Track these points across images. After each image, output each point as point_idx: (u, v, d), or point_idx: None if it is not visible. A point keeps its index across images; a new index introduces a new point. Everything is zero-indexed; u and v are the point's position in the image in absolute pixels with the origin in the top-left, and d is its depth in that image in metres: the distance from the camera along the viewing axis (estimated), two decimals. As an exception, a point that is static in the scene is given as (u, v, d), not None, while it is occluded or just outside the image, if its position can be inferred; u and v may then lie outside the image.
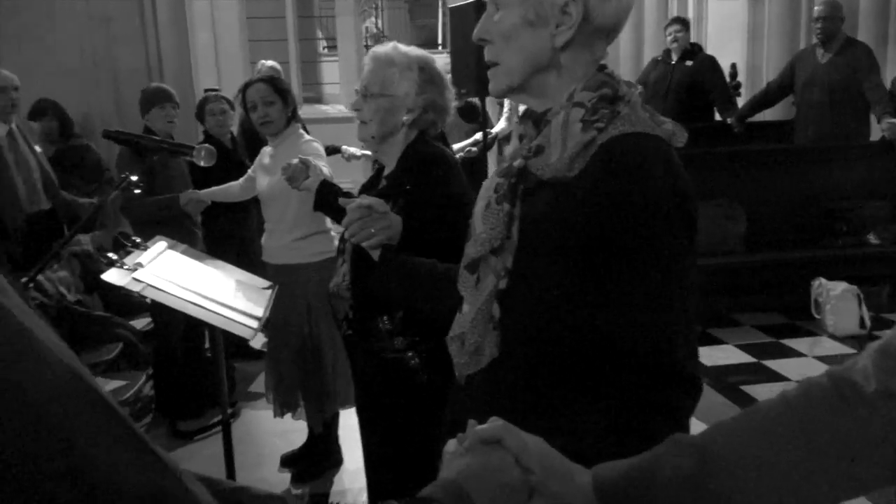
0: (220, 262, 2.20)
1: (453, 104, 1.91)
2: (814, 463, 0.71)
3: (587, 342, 1.01)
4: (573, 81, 1.07)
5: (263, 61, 4.54)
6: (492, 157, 5.87)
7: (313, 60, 10.49)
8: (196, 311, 1.72)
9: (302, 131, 2.96)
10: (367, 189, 1.95)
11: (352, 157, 4.39)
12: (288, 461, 3.11)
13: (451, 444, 0.82)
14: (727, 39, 6.76)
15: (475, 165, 4.72)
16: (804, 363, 4.01)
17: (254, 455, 3.14)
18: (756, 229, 4.60)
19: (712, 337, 4.33)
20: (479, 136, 4.90)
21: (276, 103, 2.76)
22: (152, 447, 0.42)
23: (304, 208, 2.62)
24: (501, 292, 1.06)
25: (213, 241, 3.62)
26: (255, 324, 1.85)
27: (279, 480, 3.02)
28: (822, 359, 4.05)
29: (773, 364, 4.00)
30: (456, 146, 4.86)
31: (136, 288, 1.65)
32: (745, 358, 4.10)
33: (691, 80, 5.48)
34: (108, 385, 3.33)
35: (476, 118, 4.87)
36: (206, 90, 4.90)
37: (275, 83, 2.83)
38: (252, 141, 3.88)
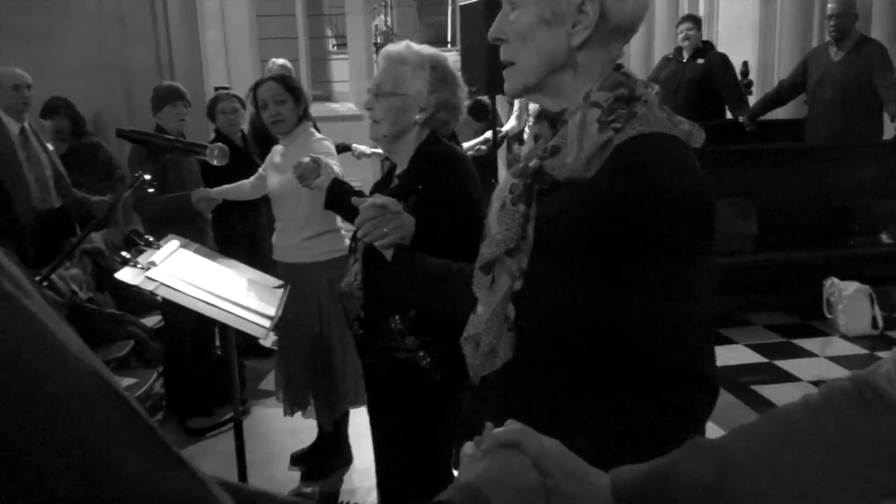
0: (233, 261, 2.20)
1: (465, 103, 1.91)
2: (836, 468, 0.70)
3: (603, 343, 1.01)
4: (589, 81, 1.06)
5: (274, 59, 4.54)
6: (501, 155, 5.87)
7: (323, 58, 10.50)
8: (209, 310, 1.72)
9: (313, 129, 2.96)
10: (378, 188, 1.94)
11: (362, 154, 4.41)
12: (298, 459, 3.12)
13: (469, 447, 0.82)
14: (738, 37, 6.72)
15: (485, 163, 4.71)
16: (816, 363, 3.98)
17: (264, 453, 3.15)
18: (767, 228, 4.58)
19: (723, 337, 4.31)
20: (488, 134, 4.89)
21: (287, 102, 2.76)
22: (177, 452, 0.41)
23: (314, 207, 2.62)
24: (516, 293, 1.06)
25: (223, 240, 3.63)
26: (267, 323, 1.85)
27: (289, 479, 3.03)
28: (833, 359, 4.03)
29: (784, 364, 3.97)
30: (466, 144, 4.85)
31: (149, 287, 1.65)
32: (756, 358, 4.08)
33: (702, 78, 5.45)
34: (120, 383, 3.34)
35: (486, 116, 4.86)
36: (217, 88, 4.92)
37: (286, 81, 2.83)
38: (262, 139, 3.89)
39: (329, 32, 11.24)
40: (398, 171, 1.90)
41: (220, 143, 2.64)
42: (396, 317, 1.80)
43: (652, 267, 0.97)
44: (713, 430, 1.01)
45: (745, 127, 5.36)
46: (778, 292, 4.69)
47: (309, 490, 2.98)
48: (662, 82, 5.53)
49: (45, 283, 2.68)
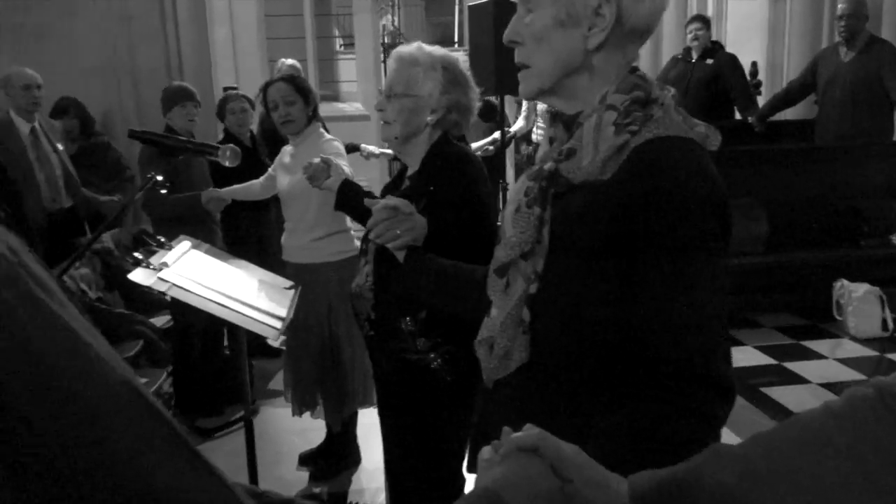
0: (243, 262, 2.20)
1: (477, 104, 1.90)
2: (859, 476, 0.70)
3: (618, 346, 1.00)
4: (605, 84, 1.05)
5: (284, 60, 4.55)
6: (509, 155, 5.86)
7: (330, 58, 10.51)
8: (221, 311, 1.72)
9: (322, 130, 2.96)
10: (389, 189, 1.94)
11: (370, 155, 4.41)
12: (306, 459, 3.12)
13: (487, 452, 0.82)
14: (747, 37, 6.70)
15: (492, 163, 4.71)
16: (825, 365, 3.97)
17: (272, 453, 3.15)
18: (777, 229, 4.56)
19: (732, 338, 4.27)
20: (496, 134, 4.89)
21: (297, 103, 2.77)
22: (207, 460, 0.41)
23: (324, 208, 2.62)
24: (531, 296, 1.05)
25: (231, 240, 3.64)
26: (279, 324, 1.85)
27: (297, 479, 3.03)
28: (843, 361, 4.01)
29: (793, 366, 3.96)
30: (474, 145, 4.85)
31: (162, 288, 1.66)
32: (766, 360, 4.06)
33: (711, 78, 5.43)
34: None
35: (494, 117, 4.86)
36: (226, 88, 4.93)
37: (296, 82, 2.83)
38: (271, 140, 3.89)
39: (336, 32, 11.24)
40: (409, 172, 1.90)
41: (232, 145, 2.65)
42: (407, 318, 1.80)
43: (668, 269, 0.96)
44: (723, 433, 1.01)
45: (754, 128, 5.34)
46: (787, 294, 4.68)
47: (317, 490, 2.98)
48: (671, 83, 5.51)
49: (57, 283, 2.69)
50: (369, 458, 3.04)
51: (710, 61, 5.47)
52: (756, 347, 4.21)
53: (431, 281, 1.41)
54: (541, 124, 5.53)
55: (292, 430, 3.30)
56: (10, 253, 0.40)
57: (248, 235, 3.78)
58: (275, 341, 2.73)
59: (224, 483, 0.41)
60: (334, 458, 3.07)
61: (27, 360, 0.37)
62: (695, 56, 5.52)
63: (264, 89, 2.85)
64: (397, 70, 1.81)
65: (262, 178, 3.14)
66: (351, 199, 2.04)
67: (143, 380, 3.51)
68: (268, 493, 0.54)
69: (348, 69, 9.35)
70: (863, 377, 3.76)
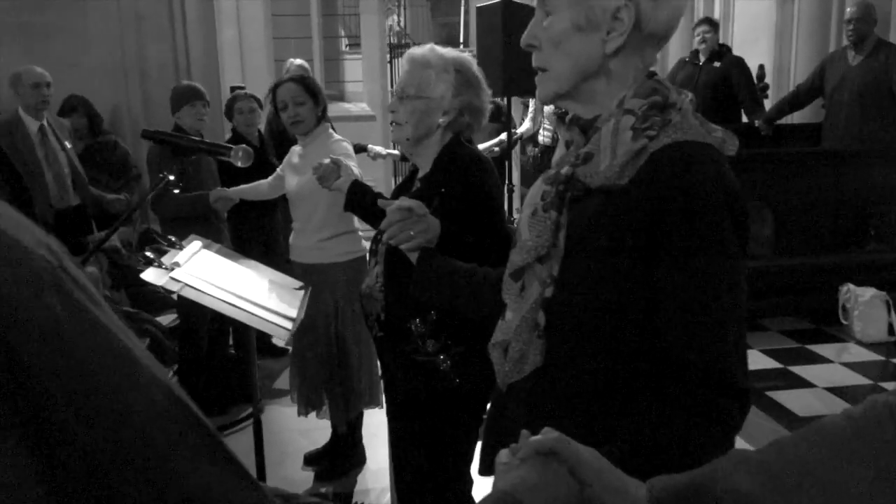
0: (253, 262, 2.21)
1: (489, 106, 1.90)
2: (880, 484, 0.70)
3: (634, 351, 1.00)
4: (623, 88, 1.06)
5: (292, 59, 4.55)
6: (515, 157, 5.86)
7: (335, 58, 10.51)
8: (233, 311, 1.73)
9: (331, 131, 2.97)
10: (400, 191, 1.94)
11: (377, 155, 4.42)
12: (311, 460, 3.12)
13: (504, 455, 0.82)
14: (754, 39, 6.68)
15: (498, 164, 4.71)
16: (831, 370, 3.96)
17: (277, 453, 3.15)
18: (783, 233, 4.55)
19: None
20: (503, 136, 4.89)
21: (306, 103, 2.77)
22: (242, 465, 0.41)
23: (332, 208, 2.62)
24: (547, 300, 1.05)
25: (238, 240, 3.64)
26: (289, 324, 1.85)
27: (302, 479, 3.03)
28: (849, 365, 4.00)
29: (799, 370, 3.95)
30: (480, 146, 4.85)
31: (174, 287, 1.66)
32: (771, 364, 4.05)
33: (719, 81, 5.42)
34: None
35: (500, 118, 4.86)
36: (233, 88, 4.94)
37: (306, 83, 2.83)
38: (279, 140, 3.90)
39: (342, 32, 11.25)
40: (420, 174, 1.90)
41: (244, 145, 2.65)
42: (417, 319, 1.80)
43: (685, 274, 0.96)
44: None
45: (761, 131, 5.33)
46: (793, 297, 4.67)
47: (323, 490, 2.98)
48: (678, 85, 5.48)
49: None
50: (374, 458, 3.05)
51: (717, 64, 5.46)
52: (762, 351, 4.20)
53: (443, 283, 1.42)
54: (547, 126, 5.53)
55: (298, 429, 3.31)
56: (51, 254, 0.40)
57: (254, 235, 3.78)
58: (280, 340, 2.74)
59: (257, 485, 0.42)
60: (339, 459, 3.07)
61: (71, 366, 0.37)
62: (702, 59, 5.52)
63: (274, 90, 2.86)
64: (410, 72, 1.81)
65: (270, 178, 3.14)
66: (360, 199, 2.05)
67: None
68: (297, 497, 0.54)
69: (354, 69, 9.35)
70: (869, 381, 3.75)
